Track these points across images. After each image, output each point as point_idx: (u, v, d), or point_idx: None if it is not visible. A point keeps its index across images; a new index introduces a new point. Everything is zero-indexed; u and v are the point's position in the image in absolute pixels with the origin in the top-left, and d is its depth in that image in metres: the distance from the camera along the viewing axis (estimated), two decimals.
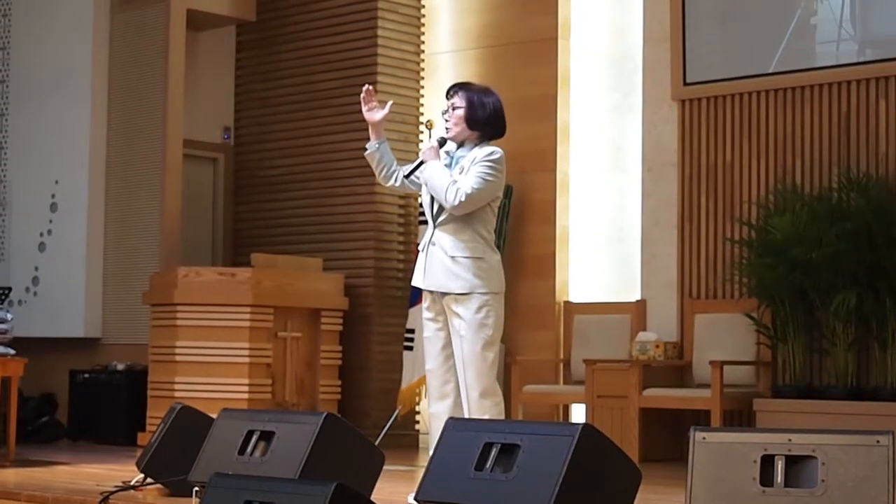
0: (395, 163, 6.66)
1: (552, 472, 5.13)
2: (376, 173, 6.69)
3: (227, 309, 9.30)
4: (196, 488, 6.25)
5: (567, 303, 10.21)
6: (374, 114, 6.55)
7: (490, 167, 6.52)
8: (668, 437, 9.06)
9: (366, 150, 6.62)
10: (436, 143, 6.73)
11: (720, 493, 4.85)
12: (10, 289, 10.32)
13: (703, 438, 4.96)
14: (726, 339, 9.23)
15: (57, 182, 11.50)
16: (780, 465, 4.77)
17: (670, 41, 9.82)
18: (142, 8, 11.13)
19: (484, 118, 6.64)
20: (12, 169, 11.87)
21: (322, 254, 10.41)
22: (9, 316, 9.31)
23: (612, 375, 8.97)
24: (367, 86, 6.57)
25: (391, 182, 6.67)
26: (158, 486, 6.92)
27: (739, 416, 9.08)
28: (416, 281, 6.71)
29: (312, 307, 9.71)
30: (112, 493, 6.78)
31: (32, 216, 11.67)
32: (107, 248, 11.24)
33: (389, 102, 6.66)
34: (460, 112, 6.63)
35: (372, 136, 6.60)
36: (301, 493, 5.47)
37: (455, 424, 5.86)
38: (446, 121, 6.73)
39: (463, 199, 6.45)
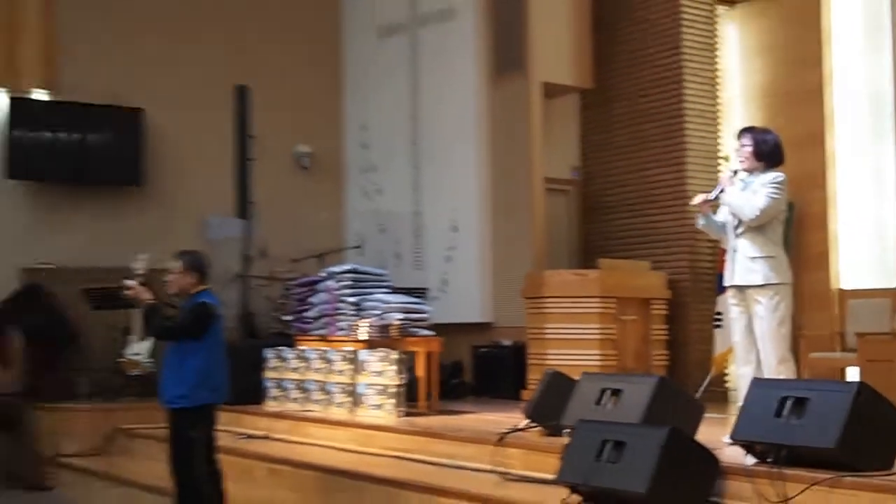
0: (717, 222, 6.95)
1: (837, 417, 5.13)
2: (711, 234, 7.19)
3: (582, 300, 9.39)
4: (566, 430, 6.40)
5: (840, 290, 9.96)
6: (702, 207, 6.93)
7: (775, 188, 6.58)
8: None
9: (699, 223, 7.07)
10: (731, 173, 6.84)
11: None
12: (427, 289, 10.72)
13: None
14: None
15: (456, 210, 11.87)
16: None
17: None
18: (510, 83, 11.34)
19: (767, 152, 6.73)
20: (425, 204, 12.33)
21: (650, 258, 10.41)
22: (428, 308, 9.69)
23: (878, 344, 8.66)
24: (700, 198, 6.94)
25: (718, 234, 7.02)
26: (539, 428, 7.09)
27: None
28: (726, 278, 6.80)
29: (644, 297, 9.73)
30: (507, 433, 7.01)
31: (440, 237, 12.07)
32: (494, 257, 11.47)
33: (700, 196, 6.98)
34: (748, 149, 6.76)
35: (700, 214, 7.00)
36: (644, 434, 5.56)
37: (758, 383, 5.88)
38: (739, 156, 6.83)
39: (757, 213, 6.55)
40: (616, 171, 11.37)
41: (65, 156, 12.62)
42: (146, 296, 6.93)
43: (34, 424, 10.85)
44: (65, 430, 10.59)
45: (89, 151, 12.70)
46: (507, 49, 11.38)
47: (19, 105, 12.58)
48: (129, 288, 7.04)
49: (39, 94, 12.87)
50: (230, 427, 9.10)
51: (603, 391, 6.43)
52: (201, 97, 12.78)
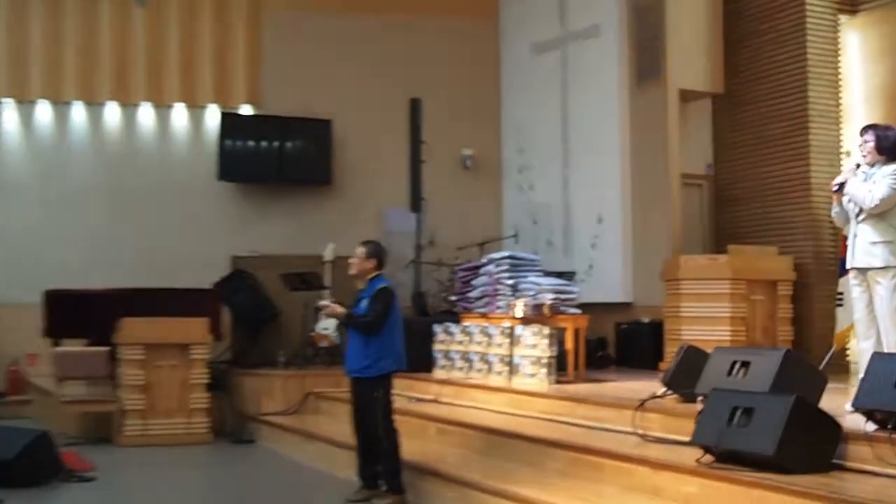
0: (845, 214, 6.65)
1: None
2: (840, 222, 6.79)
3: (714, 282, 9.15)
4: (700, 397, 6.26)
5: None
6: (835, 197, 6.67)
7: (894, 178, 6.29)
8: None
9: (833, 211, 6.77)
10: (853, 166, 6.59)
11: None
12: (575, 273, 10.60)
13: None
14: None
15: (601, 203, 11.69)
16: None
17: None
18: (650, 90, 11.09)
19: (888, 146, 6.46)
20: (573, 198, 12.19)
21: (777, 244, 10.05)
22: (576, 289, 9.58)
23: None
24: (842, 176, 6.62)
25: (847, 222, 6.64)
26: (675, 395, 6.94)
27: None
28: (848, 261, 6.57)
29: (771, 279, 9.41)
30: (646, 399, 6.87)
31: (586, 227, 11.90)
32: (634, 244, 11.26)
33: (840, 177, 6.69)
34: (870, 144, 6.49)
35: (835, 203, 6.70)
36: (772, 402, 5.42)
37: (878, 357, 5.70)
38: (861, 151, 6.56)
39: (877, 202, 6.28)
40: (745, 167, 11.03)
41: (266, 160, 12.96)
42: (339, 310, 7.11)
43: (241, 388, 11.16)
44: (266, 393, 10.86)
45: (286, 156, 13.01)
46: (647, 60, 11.18)
47: (229, 119, 12.98)
48: (324, 307, 7.24)
49: (245, 109, 13.24)
50: (405, 392, 9.16)
51: (734, 363, 6.26)
52: (380, 109, 12.96)
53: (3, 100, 12.76)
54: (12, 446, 7.87)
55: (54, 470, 8.11)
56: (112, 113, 13.03)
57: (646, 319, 10.72)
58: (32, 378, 11.99)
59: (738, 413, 5.41)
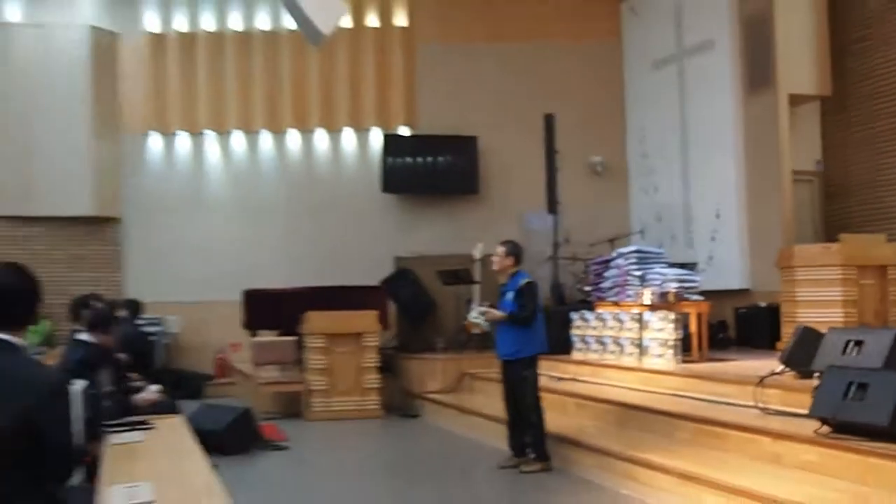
0: None
1: None
2: None
3: (826, 268, 8.72)
4: (816, 374, 6.01)
5: None
6: None
7: None
8: None
9: None
10: None
11: None
12: (696, 263, 10.33)
13: None
14: None
15: (718, 201, 11.36)
16: None
17: None
18: (761, 96, 10.73)
19: None
20: (693, 197, 11.88)
21: (886, 232, 9.56)
22: (698, 278, 9.33)
23: None
24: None
25: None
26: (792, 373, 6.68)
27: None
28: None
29: (881, 265, 8.90)
30: (766, 376, 6.65)
31: (706, 222, 11.59)
32: (750, 236, 10.91)
33: None
34: None
35: None
36: (885, 377, 5.23)
37: None
38: None
39: None
40: (854, 162, 10.57)
41: (422, 174, 13.09)
42: (498, 314, 7.07)
43: (406, 370, 11.29)
44: (427, 374, 10.97)
45: (439, 170, 13.11)
46: (758, 69, 10.81)
47: (390, 139, 13.17)
48: (485, 313, 7.16)
49: (404, 130, 13.41)
50: (548, 372, 9.09)
51: (847, 342, 6.00)
52: (519, 124, 12.93)
53: (206, 131, 13.30)
54: (222, 420, 8.21)
55: (255, 440, 8.41)
56: (293, 139, 13.40)
57: (763, 304, 10.35)
58: (235, 363, 12.43)
59: (854, 387, 5.19)
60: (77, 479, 3.64)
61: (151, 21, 13.29)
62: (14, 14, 12.91)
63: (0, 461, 3.06)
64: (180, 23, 13.31)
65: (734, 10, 11.18)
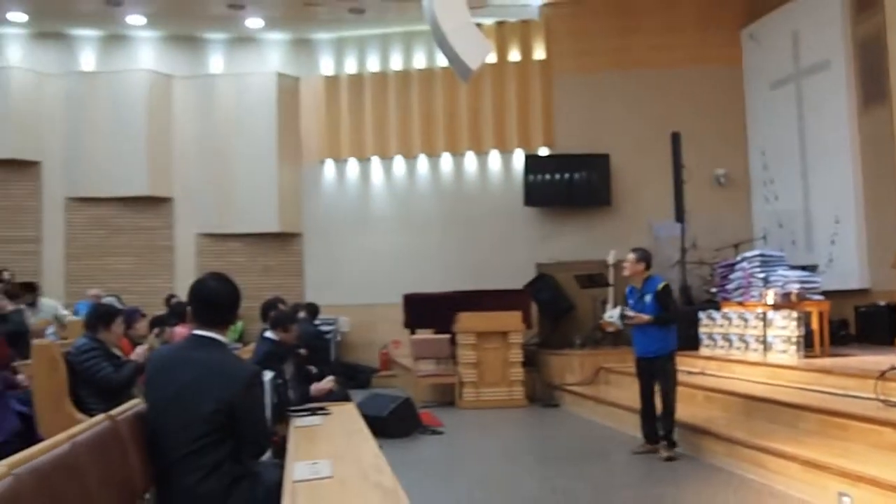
0: None
1: None
2: None
3: None
4: None
5: None
6: None
7: None
8: None
9: None
10: None
11: None
12: (817, 265, 9.78)
13: None
14: None
15: (837, 207, 10.73)
16: None
17: None
18: (875, 112, 10.06)
19: None
20: (812, 204, 11.27)
21: None
22: (818, 279, 8.84)
23: None
24: None
25: None
26: None
27: None
28: None
29: None
30: (887, 370, 6.21)
31: (825, 227, 10.95)
32: (869, 239, 10.27)
33: None
34: None
35: None
36: None
37: None
38: None
39: None
40: None
41: (560, 189, 12.98)
42: (645, 318, 6.82)
43: (547, 364, 11.19)
44: (566, 368, 10.82)
45: (575, 185, 12.96)
46: (872, 86, 10.16)
47: (531, 159, 13.13)
48: (632, 317, 6.93)
49: (543, 151, 13.34)
50: (678, 367, 8.79)
51: None
52: (648, 142, 12.64)
53: (372, 157, 13.64)
54: (385, 408, 8.35)
55: (415, 425, 8.50)
56: (446, 161, 13.56)
57: (882, 302, 9.69)
58: (397, 358, 12.65)
59: None
60: (268, 455, 3.77)
61: (326, 65, 13.79)
62: (217, 66, 13.67)
63: (208, 438, 3.23)
64: (350, 66, 13.75)
65: (848, 31, 10.59)
